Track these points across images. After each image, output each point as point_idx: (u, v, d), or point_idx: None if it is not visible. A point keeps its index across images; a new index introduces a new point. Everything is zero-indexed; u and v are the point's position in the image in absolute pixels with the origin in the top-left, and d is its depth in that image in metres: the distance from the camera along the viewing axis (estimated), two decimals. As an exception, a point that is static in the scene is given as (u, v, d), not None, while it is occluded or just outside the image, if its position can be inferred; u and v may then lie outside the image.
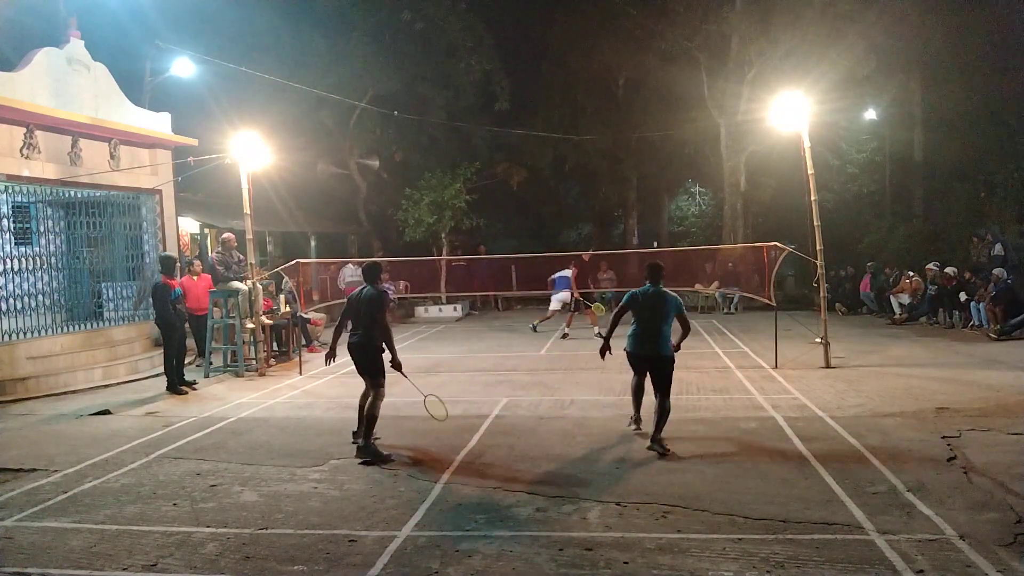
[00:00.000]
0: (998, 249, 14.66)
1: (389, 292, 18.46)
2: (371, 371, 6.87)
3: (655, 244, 26.29)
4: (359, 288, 7.06)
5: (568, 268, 15.21)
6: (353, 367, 7.02)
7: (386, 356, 6.93)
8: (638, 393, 7.26)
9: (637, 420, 7.23)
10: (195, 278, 11.71)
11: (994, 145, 19.98)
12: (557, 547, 4.51)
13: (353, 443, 6.86)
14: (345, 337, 6.97)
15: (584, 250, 19.66)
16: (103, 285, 13.19)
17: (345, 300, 7.23)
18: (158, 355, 12.49)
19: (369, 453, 6.57)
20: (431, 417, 7.14)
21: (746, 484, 5.52)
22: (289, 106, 19.47)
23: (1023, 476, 5.44)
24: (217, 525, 5.07)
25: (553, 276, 15.26)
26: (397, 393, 9.68)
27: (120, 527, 5.11)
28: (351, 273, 18.05)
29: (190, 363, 11.86)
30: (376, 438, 6.84)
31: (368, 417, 6.76)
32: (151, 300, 10.52)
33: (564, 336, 14.52)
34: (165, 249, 13.51)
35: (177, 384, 10.14)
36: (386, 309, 6.99)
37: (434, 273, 20.77)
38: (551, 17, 23.62)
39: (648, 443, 6.57)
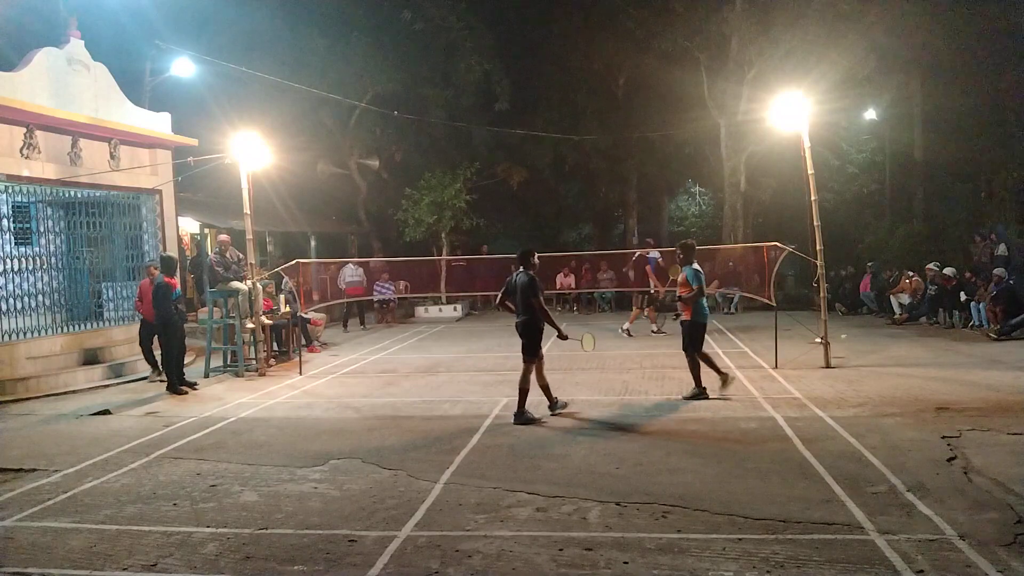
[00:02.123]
0: (1002, 249, 14.62)
1: (389, 292, 18.55)
2: (527, 348, 7.74)
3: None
4: (515, 273, 7.91)
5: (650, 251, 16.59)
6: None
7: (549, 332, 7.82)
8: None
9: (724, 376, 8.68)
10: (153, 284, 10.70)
11: (994, 145, 19.98)
12: (557, 547, 4.51)
13: (553, 415, 7.89)
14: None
15: (585, 250, 19.77)
16: (103, 285, 13.20)
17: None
18: (157, 355, 12.53)
19: (523, 420, 7.64)
20: (582, 347, 8.55)
21: (746, 484, 5.52)
22: (289, 106, 19.47)
23: (1023, 476, 5.44)
24: (217, 525, 5.07)
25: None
26: (396, 393, 9.71)
27: (120, 527, 5.11)
28: (351, 273, 18.07)
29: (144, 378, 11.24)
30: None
31: (520, 390, 7.73)
32: (154, 297, 10.46)
33: (626, 333, 14.43)
34: (165, 249, 13.52)
35: (177, 384, 10.15)
36: (539, 291, 7.77)
37: (434, 273, 20.77)
38: (551, 17, 23.62)
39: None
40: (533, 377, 7.79)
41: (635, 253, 16.94)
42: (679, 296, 8.71)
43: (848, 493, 5.20)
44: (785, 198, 21.02)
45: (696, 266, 8.63)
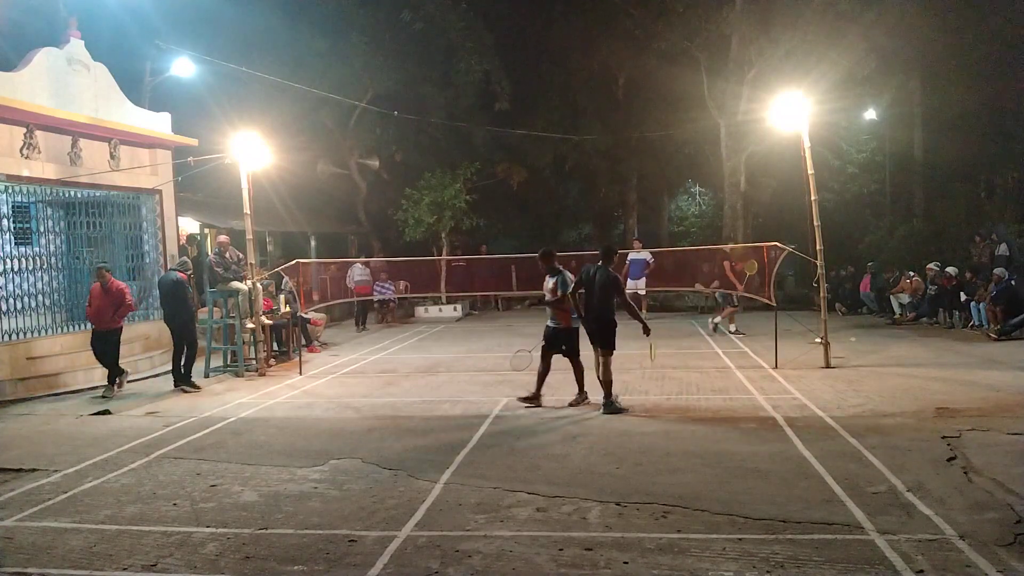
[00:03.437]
0: (1003, 249, 14.60)
1: (389, 292, 18.55)
2: (604, 342, 8.04)
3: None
4: (592, 269, 8.14)
5: (638, 251, 16.39)
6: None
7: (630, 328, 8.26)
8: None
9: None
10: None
11: (994, 145, 20.00)
12: (557, 547, 4.51)
13: (570, 405, 8.26)
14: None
15: (585, 250, 19.73)
16: (103, 285, 13.20)
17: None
18: (158, 355, 12.57)
19: (612, 409, 7.89)
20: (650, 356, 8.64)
21: (746, 484, 5.52)
22: (289, 106, 19.47)
23: (1023, 476, 5.44)
24: (217, 525, 5.07)
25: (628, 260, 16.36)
26: (396, 393, 9.71)
27: (120, 527, 5.11)
28: (359, 272, 18.10)
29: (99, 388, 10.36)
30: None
31: (604, 382, 8.00)
32: (172, 295, 10.53)
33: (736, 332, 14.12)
34: (165, 249, 13.58)
35: (188, 381, 10.40)
36: (621, 289, 8.22)
37: (434, 273, 20.77)
38: (551, 17, 23.63)
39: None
40: (613, 366, 8.09)
41: (627, 254, 16.92)
42: (548, 301, 8.47)
43: (848, 493, 5.20)
44: (785, 198, 21.02)
45: (567, 274, 8.41)
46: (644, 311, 17.31)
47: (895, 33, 18.74)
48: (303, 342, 13.24)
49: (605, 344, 8.05)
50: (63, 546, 4.81)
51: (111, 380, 10.25)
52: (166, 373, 11.86)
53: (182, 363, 10.44)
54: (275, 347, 13.05)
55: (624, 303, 8.08)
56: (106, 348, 10.24)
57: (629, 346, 13.19)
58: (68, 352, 11.34)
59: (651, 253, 17.14)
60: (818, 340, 10.75)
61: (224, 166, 11.98)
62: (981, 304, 13.35)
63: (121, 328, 10.45)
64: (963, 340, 12.70)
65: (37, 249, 12.01)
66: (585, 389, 8.48)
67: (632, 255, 16.84)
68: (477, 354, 13.00)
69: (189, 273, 11.09)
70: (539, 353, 8.45)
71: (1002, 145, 19.77)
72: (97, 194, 12.52)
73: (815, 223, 10.64)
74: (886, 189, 23.42)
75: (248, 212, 11.38)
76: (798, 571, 4.07)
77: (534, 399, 8.40)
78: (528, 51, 24.35)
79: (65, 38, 12.12)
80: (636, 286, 16.66)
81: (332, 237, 24.13)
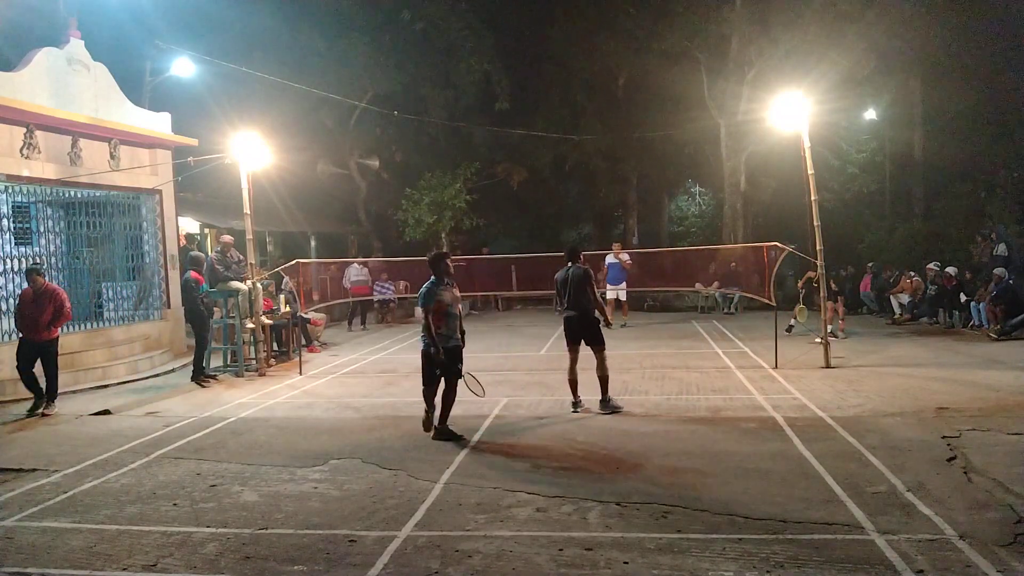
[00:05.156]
0: (1002, 249, 14.60)
1: (389, 292, 18.55)
2: (593, 339, 8.09)
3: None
4: (565, 268, 8.22)
5: (616, 254, 16.04)
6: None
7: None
8: None
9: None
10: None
11: (994, 145, 19.98)
12: (557, 547, 4.51)
13: (574, 412, 8.08)
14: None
15: (585, 250, 19.65)
16: (103, 285, 13.20)
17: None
18: (158, 355, 12.56)
19: (610, 408, 7.98)
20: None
21: (746, 484, 5.52)
22: (289, 106, 19.46)
23: (1023, 476, 5.44)
24: (217, 525, 5.08)
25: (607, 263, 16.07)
26: (396, 393, 9.71)
27: (120, 527, 5.11)
28: (356, 272, 18.11)
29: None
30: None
31: (601, 378, 8.03)
32: (184, 292, 10.79)
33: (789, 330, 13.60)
34: (165, 249, 13.59)
35: (200, 375, 10.64)
36: (593, 283, 8.19)
37: (434, 273, 20.74)
38: (551, 17, 23.61)
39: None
40: (608, 363, 8.12)
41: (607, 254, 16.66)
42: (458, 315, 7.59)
43: (848, 493, 5.20)
44: (785, 198, 21.01)
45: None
46: (625, 316, 16.71)
47: (895, 33, 18.74)
48: (303, 342, 13.24)
49: (596, 341, 8.10)
50: (63, 546, 4.81)
51: (49, 394, 9.03)
52: (166, 373, 11.91)
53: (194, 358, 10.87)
54: (275, 347, 13.05)
55: (593, 296, 8.14)
56: (46, 362, 9.03)
57: (629, 346, 13.27)
58: (67, 352, 11.31)
59: (628, 255, 16.57)
60: (818, 340, 10.76)
61: (224, 166, 11.99)
62: (981, 304, 13.35)
63: (57, 338, 9.18)
64: (963, 340, 12.70)
65: (37, 249, 12.01)
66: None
67: (609, 258, 16.19)
68: (477, 354, 12.97)
69: (199, 270, 11.18)
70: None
71: (1002, 145, 19.75)
72: (97, 194, 12.52)
73: (815, 223, 10.64)
74: (886, 189, 23.41)
75: (248, 212, 11.38)
76: (798, 571, 4.08)
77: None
78: (528, 51, 24.35)
79: (65, 38, 12.12)
80: (616, 291, 16.17)
81: (332, 237, 24.14)
